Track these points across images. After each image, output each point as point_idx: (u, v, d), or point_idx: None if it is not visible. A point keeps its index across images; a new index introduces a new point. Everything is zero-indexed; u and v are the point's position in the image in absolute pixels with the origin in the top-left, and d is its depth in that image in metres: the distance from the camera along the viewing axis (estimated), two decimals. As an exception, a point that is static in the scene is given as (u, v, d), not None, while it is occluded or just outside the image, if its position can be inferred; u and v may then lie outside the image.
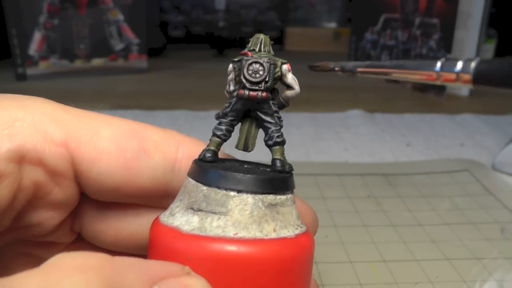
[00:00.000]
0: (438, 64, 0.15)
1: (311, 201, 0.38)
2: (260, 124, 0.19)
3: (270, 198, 0.17)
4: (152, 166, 0.18)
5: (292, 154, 0.51)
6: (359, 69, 0.18)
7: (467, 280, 0.28)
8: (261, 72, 0.18)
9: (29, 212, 0.17)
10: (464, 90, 0.84)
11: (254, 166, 0.19)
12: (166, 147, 0.18)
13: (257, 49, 0.18)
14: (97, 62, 0.92)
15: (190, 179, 0.17)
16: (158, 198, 0.19)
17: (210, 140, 0.18)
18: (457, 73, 0.14)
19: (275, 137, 0.18)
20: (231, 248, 0.15)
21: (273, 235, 0.16)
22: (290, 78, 0.18)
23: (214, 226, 0.16)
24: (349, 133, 0.60)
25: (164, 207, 0.18)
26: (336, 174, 0.44)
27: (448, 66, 0.15)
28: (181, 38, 1.23)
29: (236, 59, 0.18)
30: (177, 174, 0.18)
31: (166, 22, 1.23)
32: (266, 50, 0.19)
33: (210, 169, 0.17)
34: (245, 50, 0.18)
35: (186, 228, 0.16)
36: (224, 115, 0.18)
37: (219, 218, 0.16)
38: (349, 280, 0.28)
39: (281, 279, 0.16)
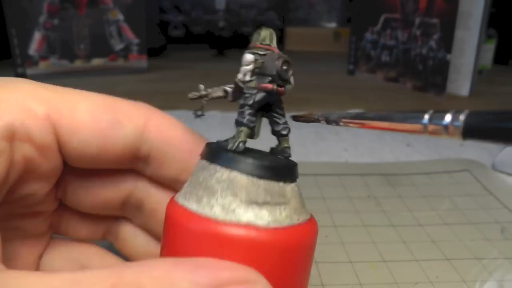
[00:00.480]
0: (426, 116, 0.14)
1: (311, 201, 0.38)
2: (270, 115, 0.20)
3: (297, 184, 0.18)
4: (125, 135, 0.20)
5: (292, 154, 0.51)
6: (343, 120, 0.18)
7: (467, 280, 0.28)
8: (290, 71, 0.19)
9: (21, 185, 0.19)
10: (464, 90, 0.84)
11: (271, 155, 0.20)
12: (137, 117, 0.20)
13: (272, 44, 0.19)
14: (97, 62, 0.92)
15: (239, 173, 0.17)
16: (128, 162, 0.21)
17: (241, 131, 0.18)
18: (446, 126, 0.14)
19: (286, 128, 0.20)
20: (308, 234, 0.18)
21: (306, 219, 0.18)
22: (290, 73, 0.19)
23: (284, 216, 0.17)
24: (349, 133, 0.60)
25: (133, 169, 0.21)
26: (336, 174, 0.44)
27: (436, 118, 0.14)
28: (181, 38, 1.23)
29: (259, 52, 0.18)
30: (145, 141, 0.20)
31: (166, 22, 1.23)
32: (276, 45, 0.19)
33: (268, 163, 0.17)
34: (259, 43, 0.19)
35: (262, 223, 0.16)
36: (251, 106, 0.18)
37: (285, 208, 0.17)
38: (349, 280, 0.28)
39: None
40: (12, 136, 0.17)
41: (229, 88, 0.19)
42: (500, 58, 1.05)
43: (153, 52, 1.00)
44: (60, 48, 0.88)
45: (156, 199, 0.22)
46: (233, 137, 0.18)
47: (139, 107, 0.21)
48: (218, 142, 0.19)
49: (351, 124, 0.18)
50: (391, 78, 0.92)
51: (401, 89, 0.88)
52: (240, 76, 0.18)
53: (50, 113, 0.18)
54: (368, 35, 0.96)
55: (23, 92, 0.18)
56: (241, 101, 0.18)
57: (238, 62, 0.19)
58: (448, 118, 0.14)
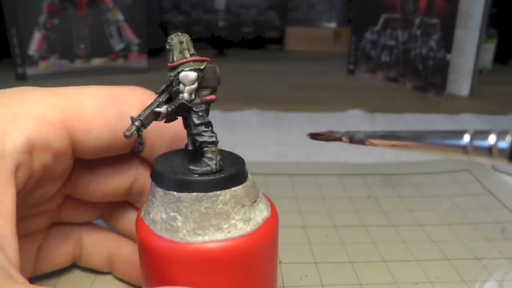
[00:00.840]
0: (466, 137, 0.13)
1: (311, 201, 0.38)
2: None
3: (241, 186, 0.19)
4: (129, 122, 0.21)
5: (292, 154, 0.51)
6: (370, 141, 0.16)
7: (467, 280, 0.28)
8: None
9: (35, 189, 0.20)
10: (464, 90, 0.84)
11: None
12: (138, 105, 0.21)
13: (192, 51, 0.19)
14: (97, 62, 0.92)
15: (183, 193, 0.18)
16: (132, 145, 0.22)
17: (214, 150, 0.18)
18: (489, 148, 0.12)
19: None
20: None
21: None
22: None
23: (227, 231, 0.18)
24: (349, 133, 0.59)
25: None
26: (336, 174, 0.44)
27: (478, 139, 0.13)
28: (181, 38, 1.23)
29: (200, 67, 0.18)
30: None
31: (166, 22, 1.23)
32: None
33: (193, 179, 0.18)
34: (188, 54, 0.19)
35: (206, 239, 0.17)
36: (208, 123, 0.19)
37: (228, 220, 0.18)
38: (349, 280, 0.28)
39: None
40: (32, 149, 0.18)
41: (160, 109, 0.19)
42: (500, 58, 1.05)
43: (153, 52, 1.00)
44: (60, 48, 0.88)
45: None
46: (209, 158, 0.18)
47: (136, 93, 0.22)
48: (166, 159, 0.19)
49: (379, 145, 0.16)
50: (391, 78, 0.92)
51: (401, 89, 0.88)
52: (186, 96, 0.18)
53: (63, 119, 0.19)
54: (368, 35, 0.96)
55: (35, 102, 0.19)
56: (196, 121, 0.18)
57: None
58: (492, 139, 0.12)
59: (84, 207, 0.25)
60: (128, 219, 0.26)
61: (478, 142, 0.13)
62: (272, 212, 0.20)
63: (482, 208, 0.38)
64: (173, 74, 0.18)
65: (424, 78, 0.84)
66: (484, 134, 0.12)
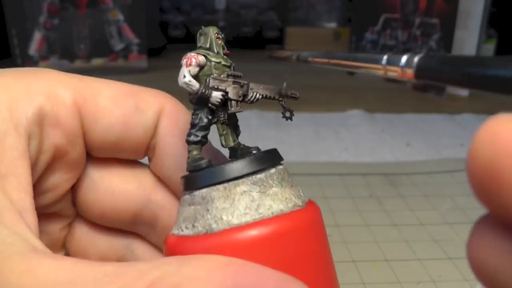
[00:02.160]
0: (385, 58, 0.15)
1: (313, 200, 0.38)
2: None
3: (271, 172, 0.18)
4: (144, 121, 0.20)
5: (292, 154, 0.51)
6: (311, 58, 0.18)
7: (469, 279, 0.28)
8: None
9: (48, 175, 0.19)
10: (464, 90, 0.84)
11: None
12: (156, 104, 0.20)
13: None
14: (97, 62, 0.92)
15: (206, 189, 0.17)
16: (144, 151, 0.21)
17: (193, 149, 0.18)
18: (401, 68, 0.14)
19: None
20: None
21: None
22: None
23: (269, 207, 0.17)
24: (349, 133, 0.60)
25: (145, 155, 0.21)
26: (338, 174, 0.44)
27: (393, 60, 0.15)
28: (181, 38, 1.23)
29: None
30: (160, 124, 0.20)
31: (166, 22, 1.23)
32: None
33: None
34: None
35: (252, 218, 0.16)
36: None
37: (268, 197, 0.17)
38: (352, 279, 0.28)
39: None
40: (42, 121, 0.17)
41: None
42: (499, 58, 1.05)
43: (153, 52, 1.00)
44: (60, 48, 0.88)
45: (169, 211, 0.22)
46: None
47: (155, 94, 0.21)
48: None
49: (318, 62, 0.18)
50: (391, 78, 0.92)
51: (401, 89, 0.88)
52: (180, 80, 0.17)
53: (76, 99, 0.18)
54: (368, 35, 0.96)
55: (50, 79, 0.18)
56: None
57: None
58: (403, 60, 0.14)
59: (95, 241, 0.23)
60: None
61: (393, 62, 0.15)
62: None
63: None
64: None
65: (424, 78, 0.84)
66: (399, 56, 0.14)
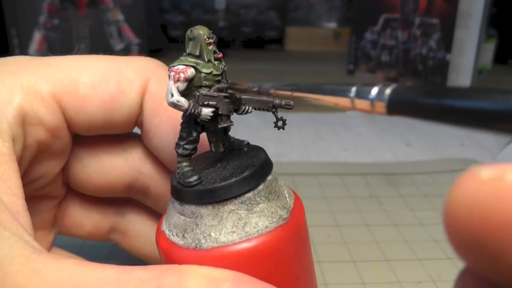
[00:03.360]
0: (353, 89, 0.14)
1: (313, 200, 0.38)
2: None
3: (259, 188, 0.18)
4: (128, 104, 0.20)
5: (292, 154, 0.51)
6: (272, 91, 0.17)
7: (469, 279, 0.28)
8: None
9: (34, 166, 0.19)
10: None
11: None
12: (139, 82, 0.20)
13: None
14: (97, 62, 0.92)
15: (197, 206, 0.17)
16: (133, 126, 0.21)
17: (179, 162, 0.18)
18: (372, 100, 0.13)
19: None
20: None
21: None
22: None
23: (253, 227, 0.17)
24: (349, 133, 0.60)
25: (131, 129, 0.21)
26: (337, 174, 0.44)
27: (362, 92, 0.13)
28: (181, 38, 1.23)
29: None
30: (145, 103, 0.20)
31: (166, 22, 1.23)
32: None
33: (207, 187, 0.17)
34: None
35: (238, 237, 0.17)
36: None
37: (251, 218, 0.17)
38: (352, 279, 0.28)
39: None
40: (23, 121, 0.17)
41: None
42: (500, 58, 1.05)
43: (153, 52, 1.00)
44: (60, 48, 0.88)
45: (159, 181, 0.22)
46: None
47: (139, 67, 0.20)
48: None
49: (281, 95, 0.17)
50: (391, 78, 0.92)
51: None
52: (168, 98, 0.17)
53: (55, 92, 0.18)
54: (368, 35, 0.96)
55: (27, 74, 0.18)
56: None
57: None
58: (374, 92, 0.13)
59: (87, 214, 0.24)
60: (144, 240, 0.24)
61: (362, 95, 0.13)
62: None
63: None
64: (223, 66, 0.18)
65: (424, 78, 0.84)
66: (368, 87, 0.13)
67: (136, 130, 0.22)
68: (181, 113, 0.17)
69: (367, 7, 0.95)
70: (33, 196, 0.21)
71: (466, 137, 0.58)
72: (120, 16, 0.92)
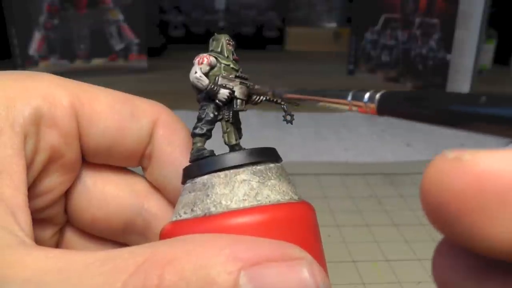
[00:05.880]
0: (350, 94, 0.16)
1: (313, 200, 0.38)
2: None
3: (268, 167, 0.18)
4: (139, 128, 0.20)
5: (293, 154, 0.51)
6: (287, 95, 0.20)
7: (469, 279, 0.28)
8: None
9: (43, 177, 0.19)
10: (464, 90, 0.84)
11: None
12: (151, 113, 0.21)
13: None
14: (97, 62, 0.92)
15: (209, 175, 0.17)
16: (138, 159, 0.21)
17: (197, 141, 0.19)
18: (365, 103, 0.15)
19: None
20: None
21: None
22: None
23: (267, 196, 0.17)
24: (350, 133, 0.60)
25: (138, 164, 0.21)
26: (338, 174, 0.44)
27: (357, 96, 0.16)
28: (181, 38, 1.23)
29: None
30: (156, 133, 0.21)
31: (166, 22, 1.23)
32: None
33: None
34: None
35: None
36: None
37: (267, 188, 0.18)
38: (352, 279, 0.28)
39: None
40: (38, 121, 0.17)
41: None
42: (500, 58, 1.05)
43: (153, 52, 1.00)
44: (60, 48, 0.88)
45: (162, 220, 0.21)
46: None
47: (152, 104, 0.21)
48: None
49: (292, 98, 0.19)
50: (391, 78, 0.92)
51: (400, 89, 0.88)
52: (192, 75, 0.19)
53: (73, 101, 0.19)
54: (368, 35, 0.96)
55: (47, 82, 0.19)
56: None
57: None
58: (366, 96, 0.15)
59: (88, 241, 0.23)
60: None
61: (357, 98, 0.16)
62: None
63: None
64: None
65: (424, 78, 0.84)
66: (362, 92, 0.15)
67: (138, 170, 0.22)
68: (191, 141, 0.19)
69: (367, 7, 0.95)
70: (34, 219, 0.20)
71: (466, 137, 0.58)
72: (120, 16, 0.92)
